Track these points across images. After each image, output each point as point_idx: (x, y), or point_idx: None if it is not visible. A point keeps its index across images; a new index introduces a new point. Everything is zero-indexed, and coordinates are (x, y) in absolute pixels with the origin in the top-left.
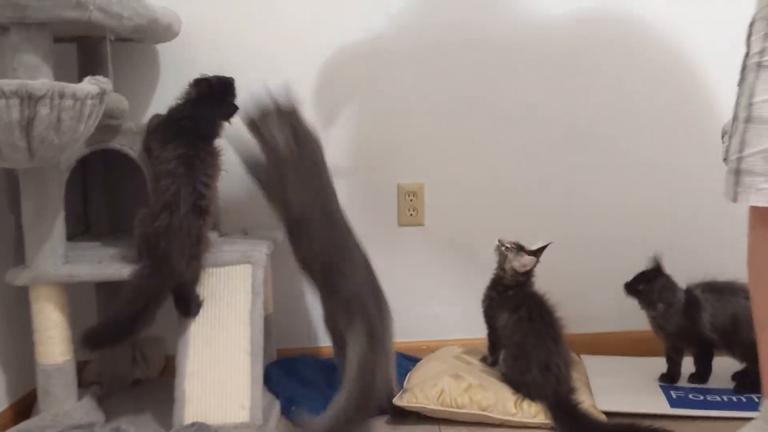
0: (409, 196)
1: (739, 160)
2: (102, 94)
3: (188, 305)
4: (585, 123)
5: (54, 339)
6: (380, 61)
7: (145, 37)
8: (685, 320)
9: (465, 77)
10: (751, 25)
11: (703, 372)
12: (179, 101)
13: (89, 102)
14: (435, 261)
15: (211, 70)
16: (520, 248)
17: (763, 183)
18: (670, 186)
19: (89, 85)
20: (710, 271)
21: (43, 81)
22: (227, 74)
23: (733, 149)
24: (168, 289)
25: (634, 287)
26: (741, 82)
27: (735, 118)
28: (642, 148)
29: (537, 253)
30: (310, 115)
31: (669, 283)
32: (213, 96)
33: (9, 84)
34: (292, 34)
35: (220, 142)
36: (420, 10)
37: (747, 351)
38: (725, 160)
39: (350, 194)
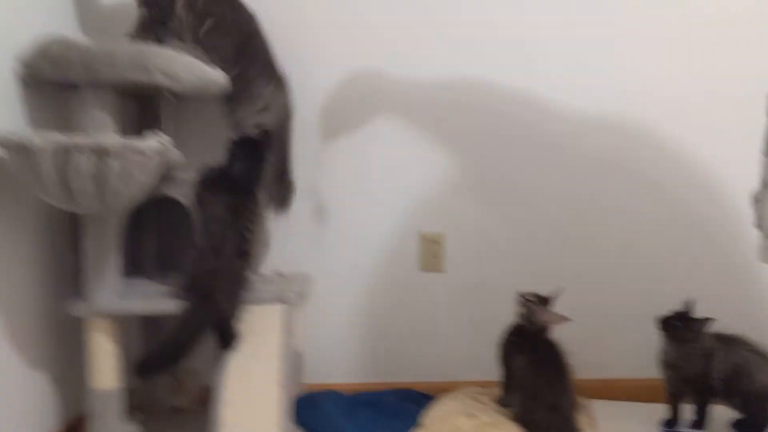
0: (430, 244)
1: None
2: (164, 150)
3: (228, 339)
4: (598, 178)
5: (107, 367)
6: (408, 119)
7: (197, 95)
8: (701, 366)
9: (485, 140)
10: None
11: (703, 419)
12: (226, 156)
13: (154, 157)
14: (454, 305)
15: None
16: (542, 301)
17: None
18: (679, 240)
19: (154, 141)
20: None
21: (115, 138)
22: None
23: (765, 215)
24: (211, 324)
25: (671, 322)
26: (767, 150)
27: (765, 184)
28: (655, 204)
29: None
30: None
31: (701, 327)
32: (253, 151)
33: (86, 140)
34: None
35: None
36: (450, 84)
37: (746, 401)
38: (759, 226)
39: (377, 241)
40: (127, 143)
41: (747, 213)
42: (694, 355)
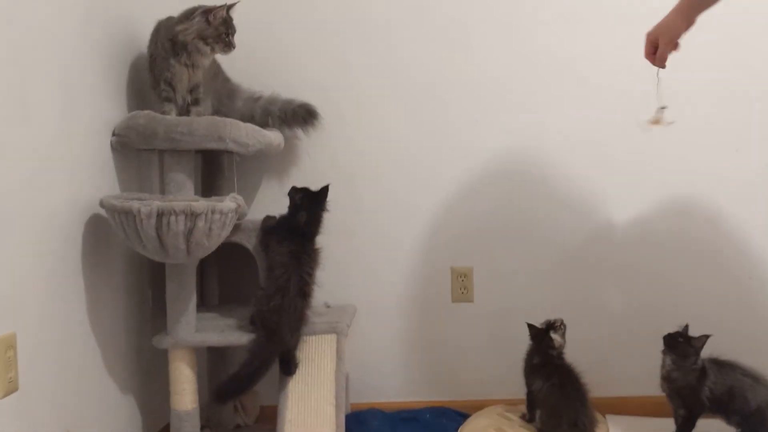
0: (460, 277)
1: None
2: (238, 208)
3: (290, 366)
4: (604, 214)
5: (186, 390)
6: (441, 167)
7: (259, 155)
8: (695, 380)
9: (508, 185)
10: None
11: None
12: (288, 208)
13: (230, 215)
14: (482, 332)
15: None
16: (550, 327)
17: None
18: (685, 265)
19: (230, 202)
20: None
21: (201, 202)
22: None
23: None
24: (277, 354)
25: (675, 339)
26: None
27: None
28: (661, 231)
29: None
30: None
31: (700, 344)
32: (313, 201)
33: (179, 205)
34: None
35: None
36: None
37: (742, 420)
38: None
39: (411, 275)
40: (212, 206)
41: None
42: (690, 370)
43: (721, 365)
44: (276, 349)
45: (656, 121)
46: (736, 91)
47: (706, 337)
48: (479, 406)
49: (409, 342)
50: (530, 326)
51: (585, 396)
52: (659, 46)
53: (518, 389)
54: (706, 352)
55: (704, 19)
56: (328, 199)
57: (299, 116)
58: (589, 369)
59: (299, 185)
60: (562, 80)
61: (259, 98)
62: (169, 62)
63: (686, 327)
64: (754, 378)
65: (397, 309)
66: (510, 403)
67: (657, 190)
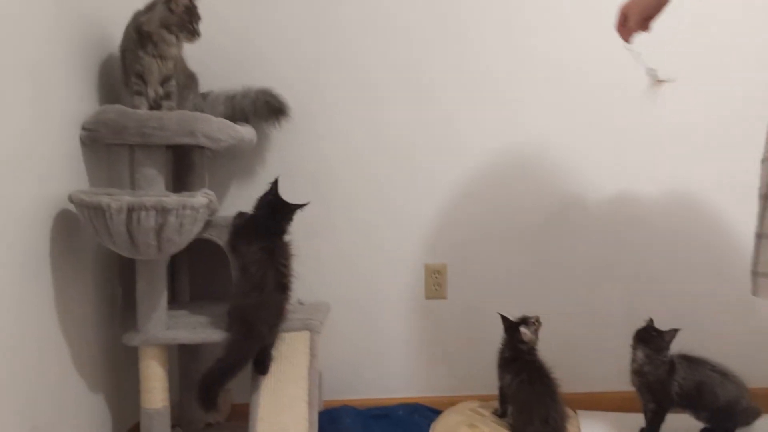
0: (434, 274)
1: (755, 265)
2: (210, 204)
3: (265, 366)
4: (582, 212)
5: (156, 388)
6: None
7: (231, 151)
8: (664, 374)
9: (484, 183)
10: (762, 162)
11: (658, 426)
12: (255, 209)
13: (201, 210)
14: (455, 329)
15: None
16: (523, 321)
17: None
18: (657, 263)
19: (202, 198)
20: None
21: (172, 197)
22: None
23: (754, 256)
24: (255, 351)
25: (649, 332)
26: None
27: (756, 235)
28: (633, 229)
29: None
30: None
31: (671, 338)
32: (279, 204)
33: (149, 200)
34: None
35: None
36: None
37: (711, 415)
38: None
39: (385, 272)
40: (183, 201)
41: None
42: (661, 363)
43: (691, 361)
44: (254, 346)
45: (656, 84)
46: (722, 78)
47: (676, 330)
48: (452, 402)
49: (382, 339)
50: (503, 318)
51: (555, 392)
52: (628, 22)
53: (491, 385)
54: (675, 348)
55: None
56: (301, 200)
57: (273, 107)
58: (561, 365)
59: (271, 181)
60: (537, 73)
61: (233, 96)
62: (138, 54)
63: (651, 321)
64: (723, 374)
65: (371, 306)
66: (483, 399)
67: (639, 188)
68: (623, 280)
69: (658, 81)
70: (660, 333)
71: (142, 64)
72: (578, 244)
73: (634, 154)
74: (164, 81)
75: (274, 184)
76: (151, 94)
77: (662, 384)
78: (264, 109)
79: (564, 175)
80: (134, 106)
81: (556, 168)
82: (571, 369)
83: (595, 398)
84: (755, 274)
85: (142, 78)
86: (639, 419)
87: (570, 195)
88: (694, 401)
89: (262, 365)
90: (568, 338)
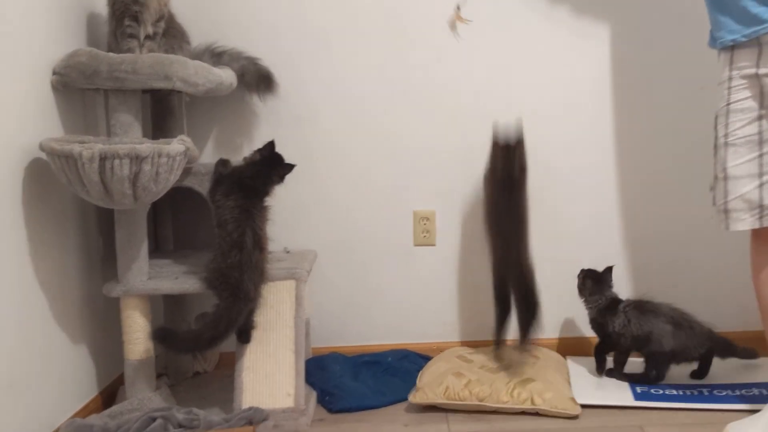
0: (422, 221)
1: (726, 203)
2: (187, 151)
3: (248, 333)
4: (566, 157)
5: (139, 339)
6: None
7: (210, 95)
8: (599, 316)
9: (470, 129)
10: (716, 117)
11: (599, 365)
12: (245, 161)
13: (178, 158)
14: (444, 275)
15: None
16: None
17: (743, 215)
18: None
19: (178, 144)
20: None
21: (146, 144)
22: None
23: (719, 198)
24: (244, 314)
25: (584, 277)
26: (715, 154)
27: (715, 177)
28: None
29: None
30: None
31: (603, 283)
32: (272, 160)
33: (123, 147)
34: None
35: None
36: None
37: (656, 361)
38: (715, 205)
39: (373, 219)
40: (158, 148)
41: None
42: (593, 303)
43: (643, 310)
44: (243, 309)
45: (455, 20)
46: None
47: (603, 275)
48: (440, 348)
49: (370, 286)
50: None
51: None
52: None
53: (479, 331)
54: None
55: None
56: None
57: (263, 74)
58: (550, 311)
59: (258, 131)
60: None
61: (220, 54)
62: None
63: (608, 268)
64: (675, 323)
65: (359, 253)
66: (470, 345)
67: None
68: (616, 231)
69: (457, 18)
70: (593, 276)
71: (142, 2)
72: (568, 189)
73: None
74: (159, 19)
75: (271, 143)
76: (143, 33)
77: (596, 323)
78: (253, 77)
79: (556, 122)
80: (128, 50)
81: (545, 111)
82: (559, 314)
83: (582, 343)
84: (726, 211)
85: (136, 19)
86: (630, 364)
87: (558, 142)
88: (642, 348)
89: (245, 334)
90: (560, 285)
